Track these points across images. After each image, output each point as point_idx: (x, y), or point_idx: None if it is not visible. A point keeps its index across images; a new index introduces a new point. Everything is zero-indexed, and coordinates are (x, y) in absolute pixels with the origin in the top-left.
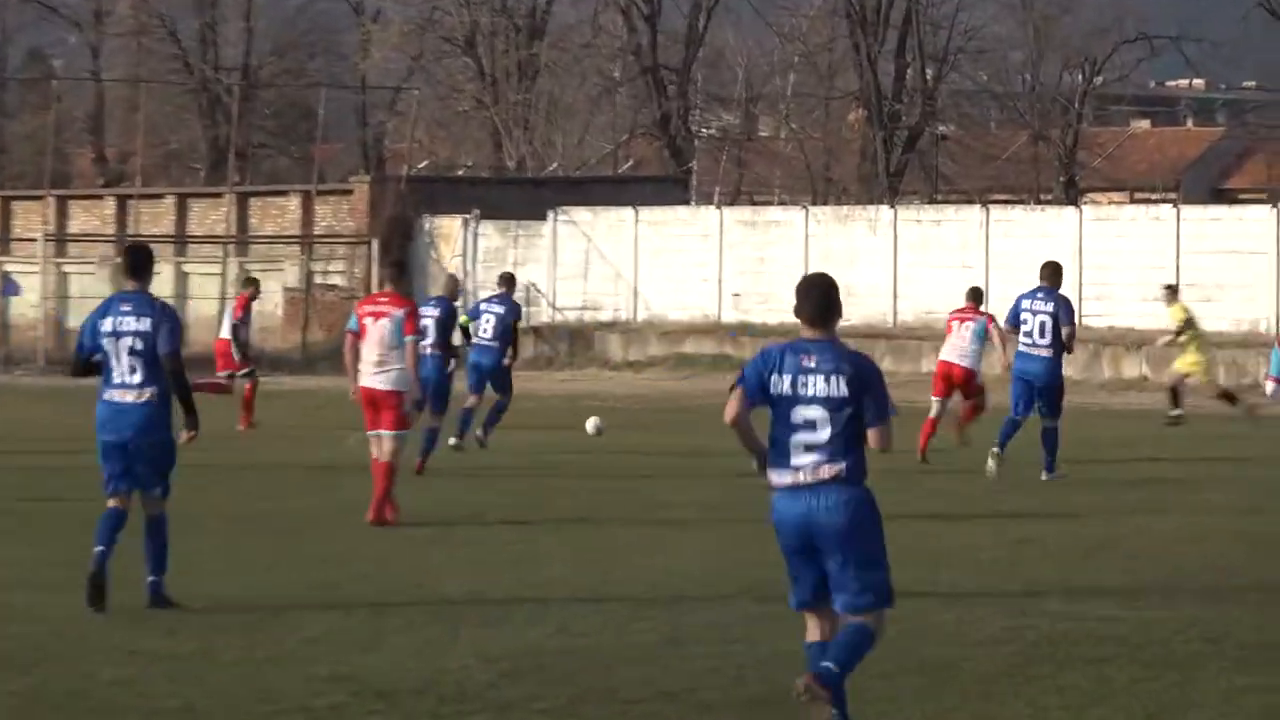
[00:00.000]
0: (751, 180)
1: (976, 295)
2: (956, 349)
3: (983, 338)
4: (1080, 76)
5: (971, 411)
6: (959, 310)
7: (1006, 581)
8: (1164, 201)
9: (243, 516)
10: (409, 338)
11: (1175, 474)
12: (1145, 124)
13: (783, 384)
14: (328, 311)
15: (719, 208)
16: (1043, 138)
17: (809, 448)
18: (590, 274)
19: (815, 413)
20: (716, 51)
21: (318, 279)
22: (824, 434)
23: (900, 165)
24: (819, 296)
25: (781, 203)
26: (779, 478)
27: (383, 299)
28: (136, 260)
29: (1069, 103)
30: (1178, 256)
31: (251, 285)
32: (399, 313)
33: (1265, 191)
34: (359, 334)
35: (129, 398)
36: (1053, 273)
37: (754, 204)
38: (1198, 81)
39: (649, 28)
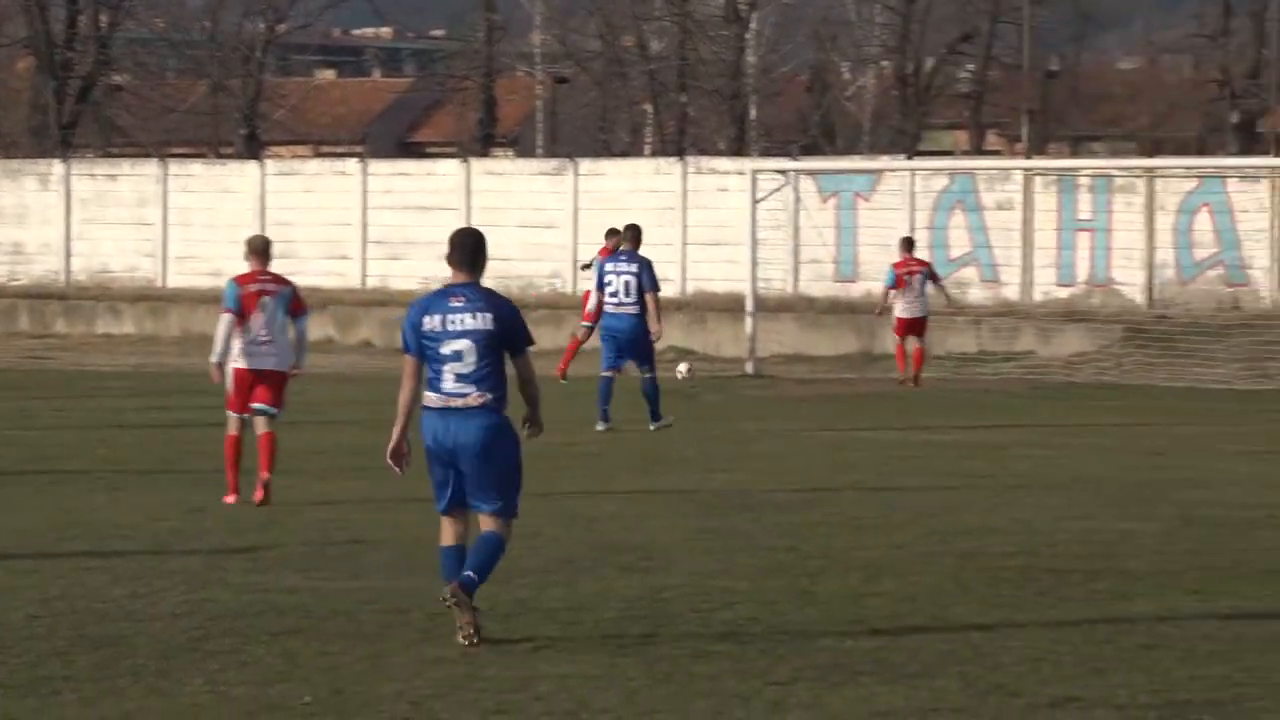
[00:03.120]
0: None
1: None
2: None
3: None
4: (262, 24)
5: None
6: None
7: (186, 553)
8: (350, 155)
9: None
10: None
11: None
12: (330, 74)
13: (433, 322)
14: None
15: None
16: (223, 88)
17: (459, 376)
18: None
19: (463, 345)
20: None
21: None
22: (470, 364)
23: (73, 117)
24: (471, 246)
25: None
26: (432, 400)
27: None
28: None
29: (250, 51)
30: (364, 212)
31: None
32: None
33: (454, 145)
34: None
35: None
36: (635, 235)
37: None
38: (385, 30)
39: None
